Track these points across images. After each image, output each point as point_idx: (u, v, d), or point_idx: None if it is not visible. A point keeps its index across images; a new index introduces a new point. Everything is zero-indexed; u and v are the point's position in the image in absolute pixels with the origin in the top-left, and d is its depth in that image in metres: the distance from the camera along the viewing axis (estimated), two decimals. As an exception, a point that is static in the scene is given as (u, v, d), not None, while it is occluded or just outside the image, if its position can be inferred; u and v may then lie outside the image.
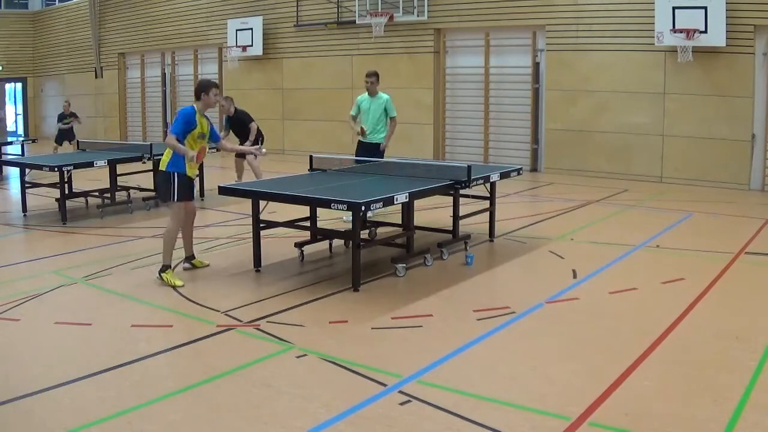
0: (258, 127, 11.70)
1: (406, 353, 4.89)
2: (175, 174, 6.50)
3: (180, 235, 6.79)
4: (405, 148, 15.53)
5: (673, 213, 9.98)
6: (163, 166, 6.56)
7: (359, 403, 4.05)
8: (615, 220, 9.59)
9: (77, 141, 12.13)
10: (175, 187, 6.50)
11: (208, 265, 7.05)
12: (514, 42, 14.77)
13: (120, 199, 10.49)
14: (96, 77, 23.05)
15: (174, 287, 6.27)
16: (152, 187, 10.68)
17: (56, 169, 9.29)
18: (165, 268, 6.46)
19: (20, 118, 26.15)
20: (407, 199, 6.60)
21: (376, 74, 9.25)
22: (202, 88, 6.61)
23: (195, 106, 6.60)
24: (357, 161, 8.79)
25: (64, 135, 16.57)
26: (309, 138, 17.64)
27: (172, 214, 6.64)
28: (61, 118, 16.69)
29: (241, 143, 11.40)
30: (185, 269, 6.91)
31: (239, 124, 11.64)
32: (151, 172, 10.73)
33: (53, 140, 16.71)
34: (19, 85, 25.84)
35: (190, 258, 7.03)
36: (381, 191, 6.52)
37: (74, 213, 10.05)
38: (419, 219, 7.97)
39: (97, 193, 10.42)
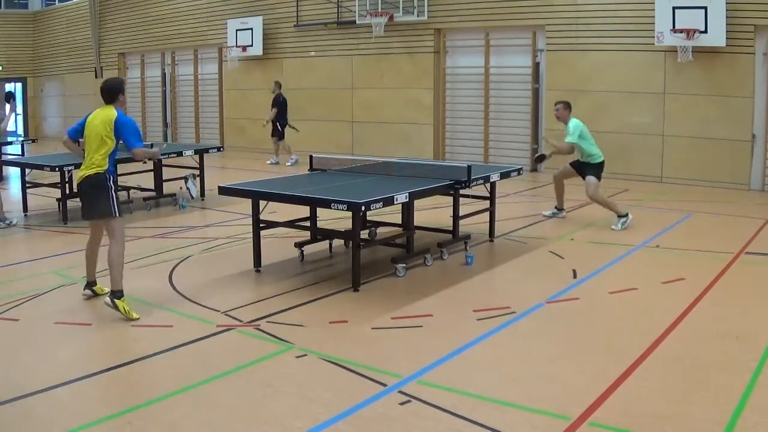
0: (278, 113, 15.83)
1: (406, 353, 4.89)
2: (113, 179, 5.61)
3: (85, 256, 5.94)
4: (405, 148, 15.56)
5: (673, 213, 9.98)
6: (99, 168, 5.56)
7: (359, 403, 4.05)
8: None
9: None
10: (115, 197, 5.66)
11: (106, 293, 5.72)
12: (514, 42, 14.76)
13: (120, 199, 10.45)
14: (96, 77, 23.01)
15: (131, 319, 5.43)
16: (152, 187, 10.71)
17: (57, 169, 9.30)
18: (120, 294, 5.50)
19: (20, 118, 26.12)
20: (407, 199, 6.60)
21: (561, 103, 9.23)
22: (122, 88, 5.91)
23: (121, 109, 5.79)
24: (355, 161, 8.79)
25: None
26: (309, 138, 17.62)
27: (119, 232, 5.69)
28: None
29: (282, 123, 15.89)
30: (87, 297, 6.00)
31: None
32: (152, 172, 10.76)
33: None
34: (19, 85, 25.83)
35: (93, 284, 6.03)
36: (381, 191, 6.52)
37: (75, 213, 10.03)
38: (419, 219, 7.97)
39: (97, 193, 10.39)
